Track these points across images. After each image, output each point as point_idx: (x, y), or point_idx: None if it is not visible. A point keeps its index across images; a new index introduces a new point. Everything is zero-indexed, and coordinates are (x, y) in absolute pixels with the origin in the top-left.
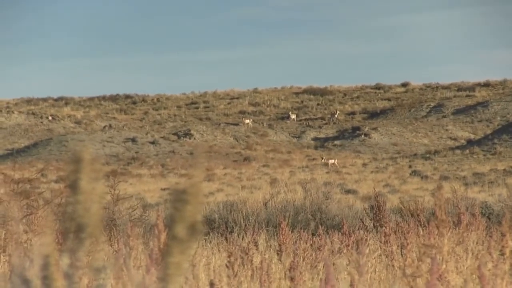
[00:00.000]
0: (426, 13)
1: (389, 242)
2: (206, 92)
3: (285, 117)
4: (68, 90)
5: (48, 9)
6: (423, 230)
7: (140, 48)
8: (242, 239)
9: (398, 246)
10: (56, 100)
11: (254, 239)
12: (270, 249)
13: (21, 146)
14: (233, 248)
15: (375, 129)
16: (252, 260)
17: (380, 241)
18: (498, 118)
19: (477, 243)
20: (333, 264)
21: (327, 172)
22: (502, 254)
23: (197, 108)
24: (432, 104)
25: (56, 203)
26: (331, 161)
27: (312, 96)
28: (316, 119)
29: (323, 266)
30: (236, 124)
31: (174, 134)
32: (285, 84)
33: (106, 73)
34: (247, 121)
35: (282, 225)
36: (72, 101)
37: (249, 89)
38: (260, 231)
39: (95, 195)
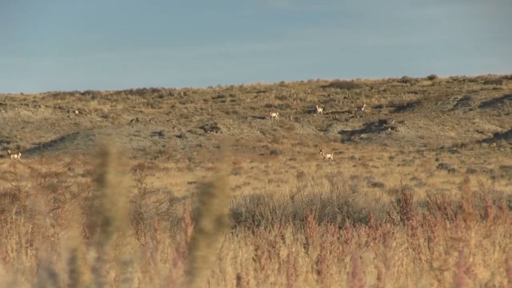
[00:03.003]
0: (453, 5)
1: (416, 235)
2: (232, 85)
3: (311, 110)
4: (95, 84)
5: (77, 2)
6: (450, 223)
7: (167, 42)
8: (269, 233)
9: (425, 239)
10: (83, 94)
11: (281, 233)
12: (297, 243)
13: (48, 140)
14: (260, 242)
15: (401, 122)
16: (279, 254)
17: (407, 234)
18: None
19: (504, 236)
20: (360, 257)
21: (354, 166)
22: None
23: (223, 101)
24: (459, 97)
25: (83, 197)
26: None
27: (338, 89)
28: (342, 112)
29: (350, 260)
30: (263, 118)
31: (200, 127)
32: (311, 77)
33: (133, 67)
34: (273, 114)
35: (309, 219)
36: (99, 95)
37: (276, 83)
38: (287, 224)
39: (121, 189)
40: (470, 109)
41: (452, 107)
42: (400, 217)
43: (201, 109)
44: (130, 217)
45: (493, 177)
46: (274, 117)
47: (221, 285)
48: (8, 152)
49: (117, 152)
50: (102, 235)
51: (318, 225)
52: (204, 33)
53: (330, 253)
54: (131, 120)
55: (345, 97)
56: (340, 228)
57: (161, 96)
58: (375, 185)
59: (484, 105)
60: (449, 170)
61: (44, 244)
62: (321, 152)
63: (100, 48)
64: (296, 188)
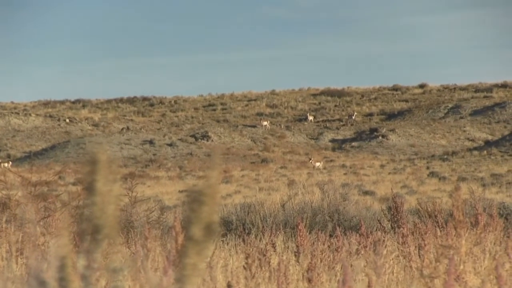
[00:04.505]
0: (443, 13)
1: (407, 243)
2: (223, 94)
3: (302, 118)
4: (86, 92)
5: (65, 12)
6: (440, 231)
7: (157, 50)
8: (260, 241)
9: (415, 247)
10: (73, 102)
11: (271, 241)
12: (287, 251)
13: (39, 149)
14: (251, 250)
15: (392, 130)
16: (269, 262)
17: (398, 242)
18: None
19: (494, 243)
20: (351, 265)
21: (345, 174)
22: None
23: (214, 110)
24: (450, 105)
25: (73, 205)
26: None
27: (329, 98)
28: (333, 120)
29: (341, 268)
30: (254, 126)
31: (191, 136)
32: (302, 86)
33: (123, 76)
34: (264, 123)
35: (299, 227)
36: (90, 103)
37: (267, 91)
38: (278, 232)
39: (111, 197)
40: (461, 117)
41: (443, 115)
42: (391, 225)
43: (192, 117)
44: (120, 225)
45: (483, 185)
46: (265, 125)
47: None
48: None
49: (107, 160)
50: (92, 243)
51: (309, 233)
52: (195, 42)
53: (321, 261)
54: (122, 129)
55: (336, 105)
56: (331, 236)
57: (151, 105)
58: (366, 193)
59: (475, 113)
60: (440, 178)
61: (34, 253)
62: (310, 161)
63: (90, 57)
64: (287, 196)
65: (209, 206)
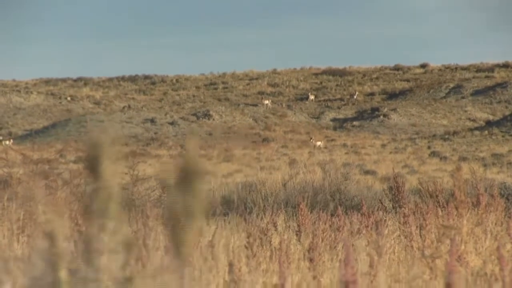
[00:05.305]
0: None
1: (408, 223)
2: (225, 73)
3: (304, 98)
4: (87, 70)
5: None
6: (442, 211)
7: (159, 29)
8: (261, 220)
9: (417, 227)
10: (75, 80)
11: (273, 220)
12: (289, 230)
13: (40, 127)
14: (252, 229)
15: (394, 110)
16: (271, 241)
17: (399, 222)
18: None
19: (496, 224)
20: (352, 245)
21: (346, 153)
22: None
23: (216, 88)
24: (451, 85)
25: (75, 184)
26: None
27: (331, 77)
28: (335, 100)
29: (342, 247)
30: (255, 105)
31: (193, 114)
32: (304, 65)
33: (125, 54)
34: (266, 101)
35: (301, 206)
36: (91, 81)
37: (268, 70)
38: (279, 211)
39: (113, 176)
40: (462, 97)
41: (444, 95)
42: (392, 205)
43: (194, 96)
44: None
45: (484, 165)
46: (267, 104)
47: (213, 272)
48: None
49: (110, 141)
50: (94, 222)
51: (310, 213)
52: (197, 21)
53: (322, 240)
54: (123, 107)
55: (337, 85)
56: (332, 215)
57: (153, 83)
58: (367, 172)
59: (476, 93)
60: (441, 158)
61: (36, 231)
62: (311, 140)
63: (92, 36)
64: (288, 176)
65: (193, 180)
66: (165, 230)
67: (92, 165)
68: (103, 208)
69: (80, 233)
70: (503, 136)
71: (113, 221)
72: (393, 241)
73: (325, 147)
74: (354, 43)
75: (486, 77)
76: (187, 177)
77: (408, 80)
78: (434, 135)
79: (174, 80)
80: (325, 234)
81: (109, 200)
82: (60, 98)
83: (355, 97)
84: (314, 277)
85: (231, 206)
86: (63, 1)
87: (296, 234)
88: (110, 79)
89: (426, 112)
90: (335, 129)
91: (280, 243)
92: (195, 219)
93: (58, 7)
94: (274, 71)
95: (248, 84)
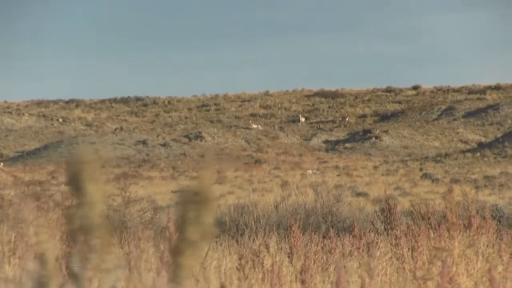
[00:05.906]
0: (437, 15)
1: (400, 244)
2: (217, 94)
3: (296, 120)
4: (79, 92)
5: (59, 9)
6: (434, 233)
7: (151, 50)
8: (253, 242)
9: (409, 249)
10: (66, 102)
11: (265, 242)
12: (281, 252)
13: (32, 149)
14: (244, 251)
15: (386, 131)
16: (263, 263)
17: (391, 244)
18: (509, 121)
19: (487, 246)
20: (344, 267)
21: (338, 175)
22: None
23: (208, 110)
24: (443, 107)
25: (66, 205)
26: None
27: (323, 99)
28: (327, 122)
29: (334, 269)
30: (247, 127)
31: (185, 136)
32: (296, 87)
33: (116, 76)
34: (254, 125)
35: (293, 228)
36: (83, 103)
37: (260, 92)
38: (271, 233)
39: (98, 196)
40: (454, 119)
41: (436, 117)
42: (384, 227)
43: (186, 118)
44: (113, 225)
45: (476, 187)
46: (256, 128)
47: None
48: None
49: (93, 160)
50: (85, 244)
51: (302, 235)
52: (188, 41)
53: (314, 262)
54: (115, 129)
55: (329, 107)
56: (324, 237)
57: (145, 105)
58: (359, 194)
59: (468, 115)
60: (433, 180)
61: (27, 253)
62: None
63: (84, 56)
64: (281, 197)
65: (205, 207)
66: (168, 254)
67: (73, 183)
68: (87, 226)
69: (70, 254)
70: (495, 158)
71: (99, 239)
72: (385, 263)
73: (317, 169)
74: (346, 65)
75: (478, 99)
76: (198, 204)
77: (400, 102)
78: (426, 157)
79: (166, 102)
80: (317, 256)
81: (93, 218)
82: (51, 119)
83: (347, 119)
84: None
85: (223, 228)
86: (55, 22)
87: (288, 256)
88: (102, 101)
89: (418, 134)
90: (327, 151)
91: (272, 265)
92: (201, 245)
93: (49, 28)
94: (267, 93)
95: (240, 106)
